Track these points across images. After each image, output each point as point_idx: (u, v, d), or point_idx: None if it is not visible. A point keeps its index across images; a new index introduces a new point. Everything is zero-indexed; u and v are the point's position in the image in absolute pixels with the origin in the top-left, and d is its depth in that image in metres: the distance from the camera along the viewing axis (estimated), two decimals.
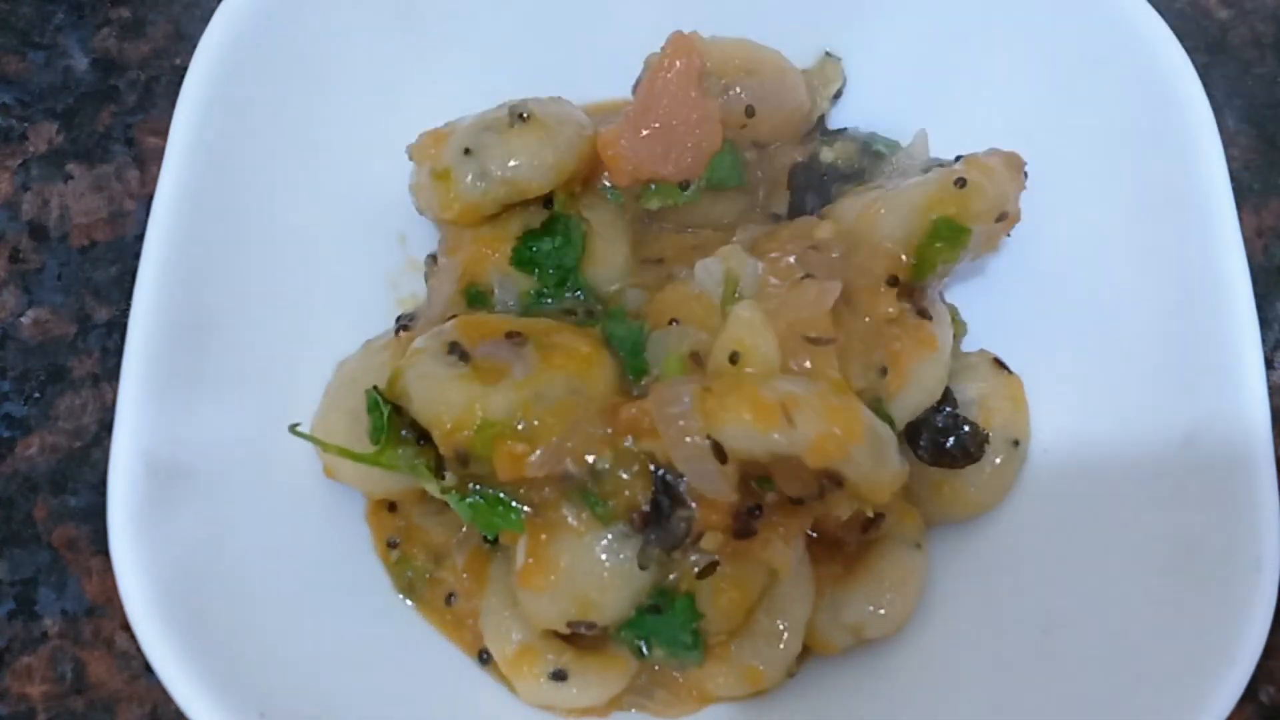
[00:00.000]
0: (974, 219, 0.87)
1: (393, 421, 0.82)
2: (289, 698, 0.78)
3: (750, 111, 0.93)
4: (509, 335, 0.82)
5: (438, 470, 0.81)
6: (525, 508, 0.80)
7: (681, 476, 0.77)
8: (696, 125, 0.90)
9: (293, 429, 0.84)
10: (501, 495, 0.81)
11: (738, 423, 0.74)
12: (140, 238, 0.86)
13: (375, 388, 0.83)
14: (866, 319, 0.84)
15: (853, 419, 0.76)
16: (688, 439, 0.75)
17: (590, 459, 0.78)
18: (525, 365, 0.80)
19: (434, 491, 0.82)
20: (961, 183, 0.87)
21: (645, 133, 0.90)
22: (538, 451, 0.77)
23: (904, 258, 0.86)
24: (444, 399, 0.79)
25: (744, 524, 0.78)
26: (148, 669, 0.81)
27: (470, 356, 0.81)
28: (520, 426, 0.78)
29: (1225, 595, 0.77)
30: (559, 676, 0.82)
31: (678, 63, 0.90)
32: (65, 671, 0.91)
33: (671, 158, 0.90)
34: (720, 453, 0.75)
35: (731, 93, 0.93)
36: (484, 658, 0.87)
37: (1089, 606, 0.83)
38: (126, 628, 0.84)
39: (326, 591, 0.86)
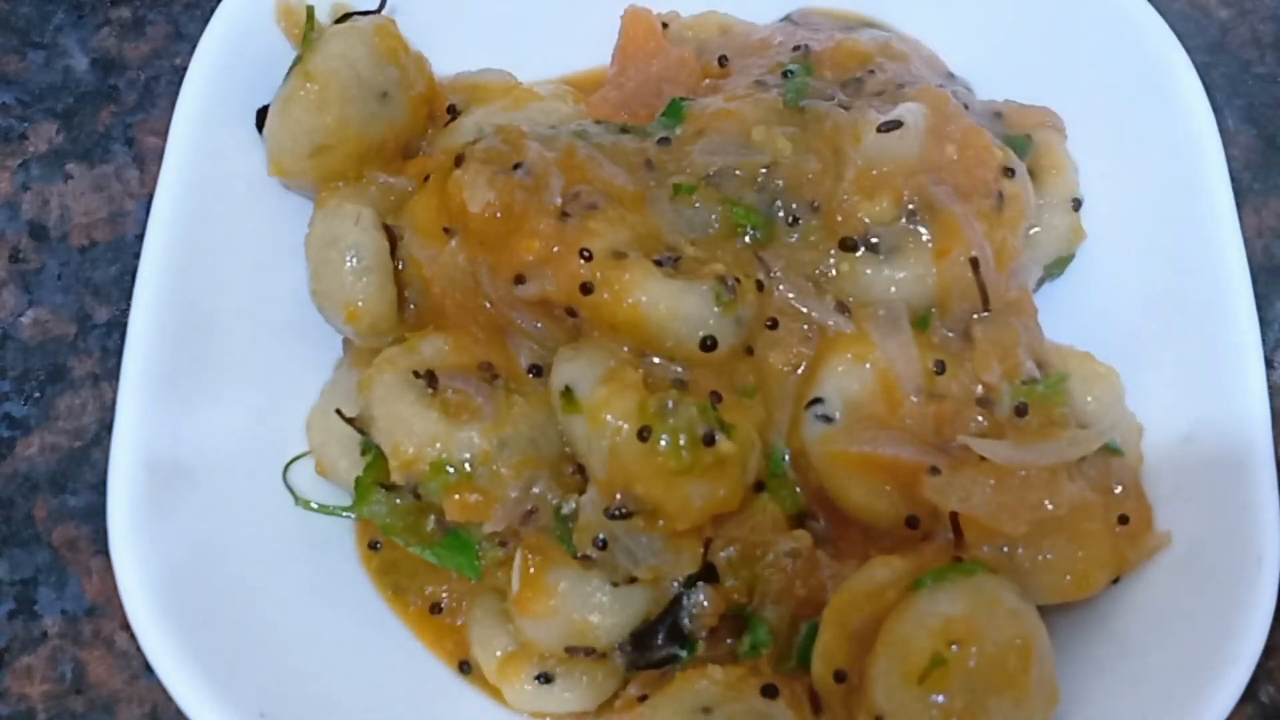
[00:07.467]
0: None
1: (375, 461, 0.83)
2: (289, 698, 0.78)
3: (723, 61, 0.94)
4: (482, 366, 0.82)
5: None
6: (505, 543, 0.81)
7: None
8: (676, 67, 0.93)
9: (296, 496, 0.86)
10: (468, 538, 0.82)
11: None
12: (140, 238, 0.86)
13: (340, 411, 0.84)
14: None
15: None
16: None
17: (555, 503, 0.78)
18: (493, 407, 0.80)
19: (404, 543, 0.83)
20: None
21: (630, 86, 0.92)
22: (498, 507, 0.78)
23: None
24: (406, 429, 0.79)
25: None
26: (148, 669, 0.81)
27: (438, 385, 0.80)
28: (480, 479, 0.78)
29: (1225, 595, 0.77)
30: (546, 680, 0.81)
31: (641, 25, 0.94)
32: (65, 671, 0.91)
33: (664, 97, 0.91)
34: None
35: (706, 47, 0.95)
36: (464, 668, 0.85)
37: (1089, 606, 0.83)
38: (126, 628, 0.84)
39: (327, 591, 0.86)
